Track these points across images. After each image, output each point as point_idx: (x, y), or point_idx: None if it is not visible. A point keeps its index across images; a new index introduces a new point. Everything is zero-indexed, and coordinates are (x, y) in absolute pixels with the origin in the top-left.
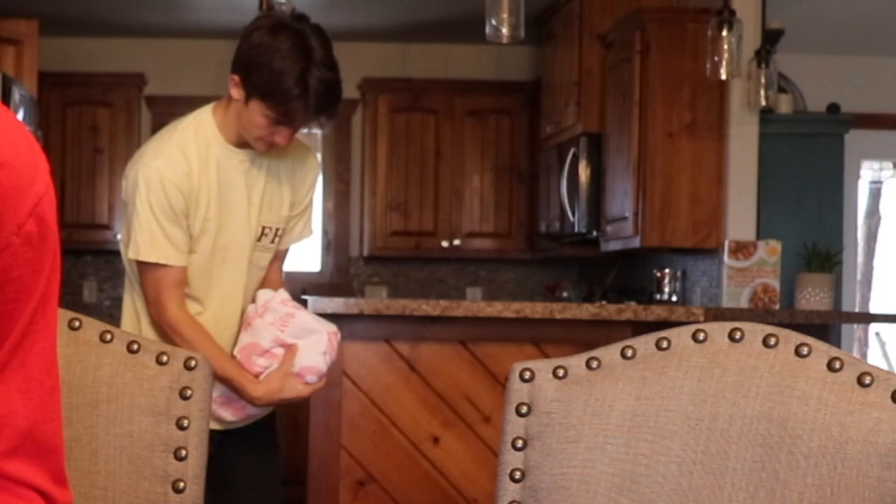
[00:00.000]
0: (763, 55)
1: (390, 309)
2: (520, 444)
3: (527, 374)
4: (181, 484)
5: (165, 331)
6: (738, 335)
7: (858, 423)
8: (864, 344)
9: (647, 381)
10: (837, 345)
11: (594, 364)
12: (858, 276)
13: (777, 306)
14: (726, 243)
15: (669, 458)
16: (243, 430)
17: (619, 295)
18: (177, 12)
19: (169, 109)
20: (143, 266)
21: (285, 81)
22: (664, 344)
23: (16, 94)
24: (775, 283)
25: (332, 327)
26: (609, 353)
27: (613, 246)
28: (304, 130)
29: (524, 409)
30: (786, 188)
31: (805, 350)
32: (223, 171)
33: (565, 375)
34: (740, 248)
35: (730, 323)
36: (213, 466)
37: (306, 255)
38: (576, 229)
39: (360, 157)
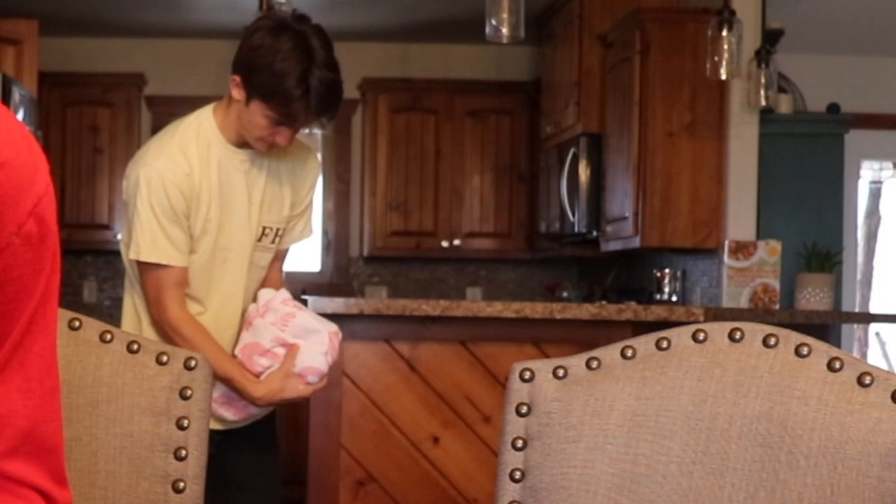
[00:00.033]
0: (763, 55)
1: (390, 309)
2: (520, 444)
3: (527, 374)
4: (181, 484)
5: (166, 331)
6: (738, 335)
7: (858, 423)
8: (864, 344)
9: (647, 381)
10: (837, 345)
11: (594, 364)
12: (858, 276)
13: (777, 306)
14: (726, 243)
15: (669, 458)
16: (243, 430)
17: (619, 295)
18: (177, 12)
19: (169, 109)
20: (143, 266)
21: (286, 82)
22: (664, 344)
23: (16, 94)
24: (775, 283)
25: (332, 327)
26: (609, 353)
27: (613, 246)
28: (305, 131)
29: (524, 409)
30: (786, 188)
31: (805, 350)
32: (224, 172)
33: (565, 375)
34: (740, 248)
35: (730, 323)
36: (213, 466)
37: (306, 255)
38: (576, 229)
39: (360, 157)
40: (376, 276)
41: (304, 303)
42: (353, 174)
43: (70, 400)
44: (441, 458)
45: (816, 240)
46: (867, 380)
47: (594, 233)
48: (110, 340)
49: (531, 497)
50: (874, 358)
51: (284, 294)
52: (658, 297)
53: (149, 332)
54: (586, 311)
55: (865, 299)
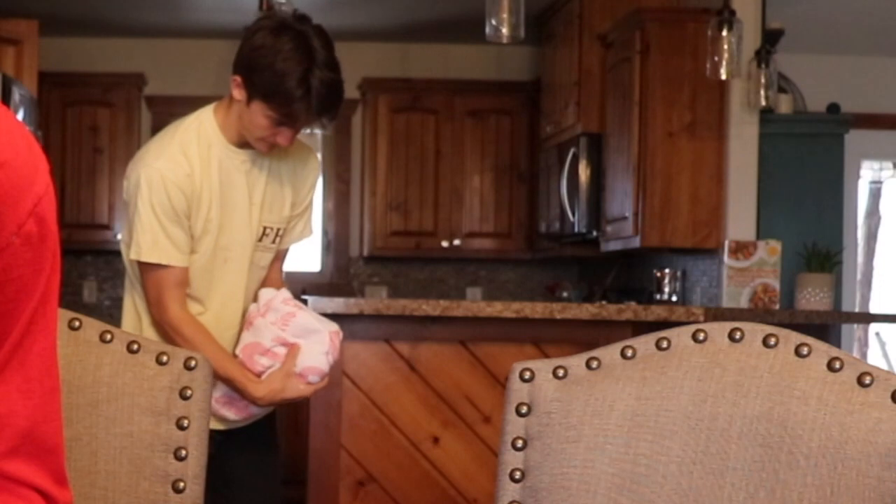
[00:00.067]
0: (763, 55)
1: (390, 309)
2: (520, 444)
3: (527, 374)
4: (181, 484)
5: (167, 331)
6: (738, 335)
7: (858, 423)
8: (864, 344)
9: (647, 381)
10: (837, 345)
11: (594, 364)
12: (858, 276)
13: (777, 306)
14: (726, 243)
15: (669, 458)
16: (243, 430)
17: (619, 295)
18: (177, 12)
19: (169, 109)
20: (144, 267)
21: (288, 82)
22: (664, 344)
23: (16, 94)
24: (775, 283)
25: (333, 326)
26: (609, 353)
27: (613, 246)
28: (306, 131)
29: (524, 409)
30: (786, 188)
31: (805, 350)
32: (225, 172)
33: (565, 375)
34: (740, 248)
35: (730, 323)
36: (213, 466)
37: (306, 255)
38: (576, 229)
39: (360, 157)
40: (376, 276)
41: (305, 303)
42: (353, 174)
43: (70, 400)
44: (441, 458)
45: (816, 240)
46: (867, 380)
47: (594, 233)
48: (110, 340)
49: (531, 497)
50: (874, 358)
51: (285, 294)
52: (658, 297)
53: (149, 333)
54: (586, 311)
55: (865, 299)
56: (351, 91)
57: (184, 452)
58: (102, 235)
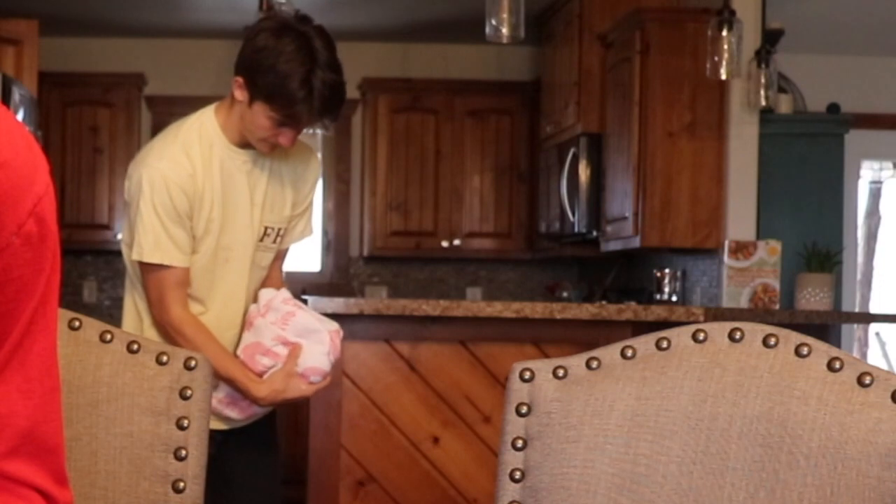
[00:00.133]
0: (763, 55)
1: (390, 309)
2: (520, 444)
3: (527, 374)
4: (181, 484)
5: (168, 331)
6: (738, 335)
7: (858, 423)
8: (864, 344)
9: (647, 381)
10: (837, 345)
11: (594, 364)
12: (858, 276)
13: (777, 306)
14: (726, 243)
15: (669, 458)
16: (243, 430)
17: (619, 295)
18: (177, 12)
19: (169, 109)
20: (145, 267)
21: (290, 84)
22: (664, 344)
23: (16, 94)
24: (775, 283)
25: (333, 325)
26: (609, 353)
27: (613, 246)
28: (307, 131)
29: (524, 409)
30: (786, 188)
31: (805, 350)
32: (226, 172)
33: (565, 375)
34: (740, 248)
35: (730, 323)
36: (213, 466)
37: (306, 255)
38: (576, 229)
39: (360, 157)
40: (376, 276)
41: (305, 302)
42: (353, 174)
43: (70, 400)
44: (441, 458)
45: (816, 240)
46: (867, 380)
47: (594, 233)
48: (110, 340)
49: (531, 497)
50: (874, 358)
51: (285, 293)
52: (658, 297)
53: (150, 333)
54: (586, 311)
55: (865, 299)
56: (351, 91)
57: (184, 452)
58: (102, 235)
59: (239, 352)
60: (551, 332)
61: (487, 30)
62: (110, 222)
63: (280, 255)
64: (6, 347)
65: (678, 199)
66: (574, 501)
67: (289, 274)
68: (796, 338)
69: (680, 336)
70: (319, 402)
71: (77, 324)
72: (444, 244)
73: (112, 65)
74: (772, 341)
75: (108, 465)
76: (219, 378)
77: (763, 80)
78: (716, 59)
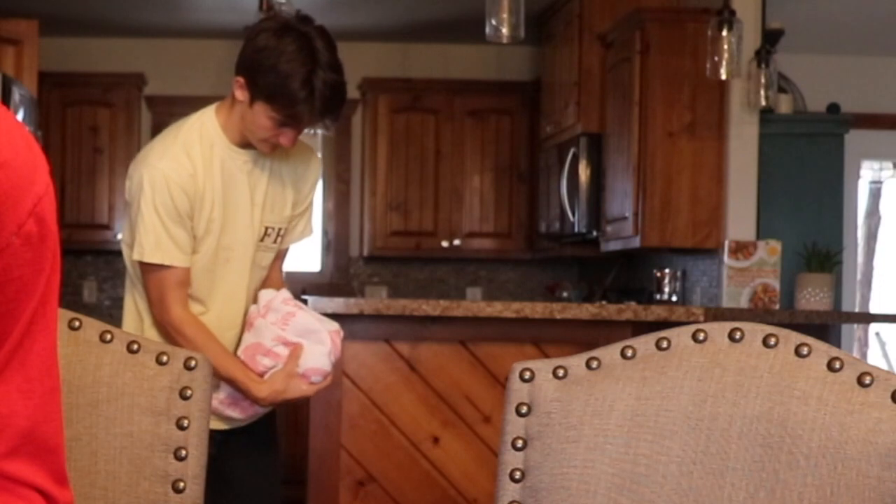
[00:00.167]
0: (763, 55)
1: (390, 309)
2: (520, 444)
3: (527, 374)
4: (181, 484)
5: (169, 332)
6: (738, 335)
7: (858, 423)
8: (864, 344)
9: (647, 381)
10: (837, 345)
11: (594, 364)
12: (858, 276)
13: (777, 306)
14: (726, 243)
15: (669, 458)
16: (243, 430)
17: (619, 295)
18: (177, 12)
19: (169, 109)
20: (146, 267)
21: (291, 84)
22: (664, 344)
23: (16, 94)
24: (775, 283)
25: (333, 325)
26: (609, 353)
27: (613, 246)
28: (307, 131)
29: (524, 409)
30: (786, 188)
31: (805, 350)
32: (227, 172)
33: (565, 375)
34: (740, 248)
35: (730, 323)
36: (213, 466)
37: (306, 255)
38: (576, 229)
39: (360, 157)
40: (376, 276)
41: (305, 303)
42: (353, 174)
43: (70, 400)
44: (441, 458)
45: (816, 240)
46: (867, 380)
47: (594, 233)
48: (110, 340)
49: (531, 497)
50: (874, 358)
51: (285, 294)
52: (658, 297)
53: (151, 333)
54: (586, 311)
55: (865, 299)
56: (351, 91)
57: (184, 452)
58: (102, 235)
59: (239, 352)
60: (551, 332)
61: (487, 30)
62: (110, 222)
63: (280, 255)
64: (6, 347)
65: (678, 199)
66: (574, 501)
67: (289, 274)
68: (796, 338)
69: (680, 336)
70: (319, 402)
71: (77, 324)
72: (444, 244)
73: (112, 65)
74: (772, 341)
75: (108, 465)
76: (219, 378)
77: (763, 80)
78: (716, 59)
